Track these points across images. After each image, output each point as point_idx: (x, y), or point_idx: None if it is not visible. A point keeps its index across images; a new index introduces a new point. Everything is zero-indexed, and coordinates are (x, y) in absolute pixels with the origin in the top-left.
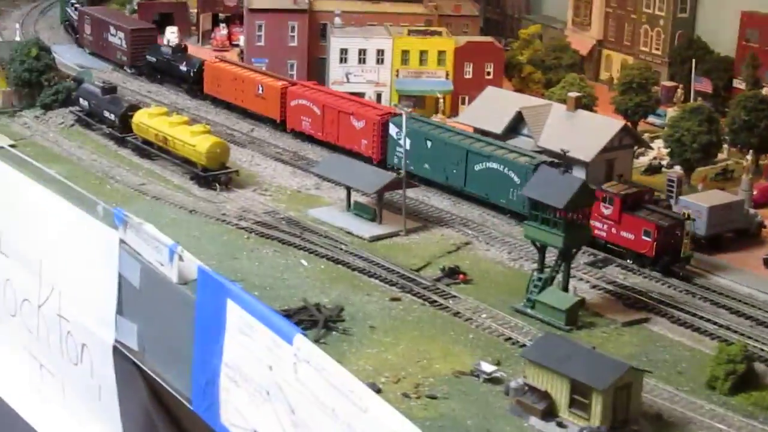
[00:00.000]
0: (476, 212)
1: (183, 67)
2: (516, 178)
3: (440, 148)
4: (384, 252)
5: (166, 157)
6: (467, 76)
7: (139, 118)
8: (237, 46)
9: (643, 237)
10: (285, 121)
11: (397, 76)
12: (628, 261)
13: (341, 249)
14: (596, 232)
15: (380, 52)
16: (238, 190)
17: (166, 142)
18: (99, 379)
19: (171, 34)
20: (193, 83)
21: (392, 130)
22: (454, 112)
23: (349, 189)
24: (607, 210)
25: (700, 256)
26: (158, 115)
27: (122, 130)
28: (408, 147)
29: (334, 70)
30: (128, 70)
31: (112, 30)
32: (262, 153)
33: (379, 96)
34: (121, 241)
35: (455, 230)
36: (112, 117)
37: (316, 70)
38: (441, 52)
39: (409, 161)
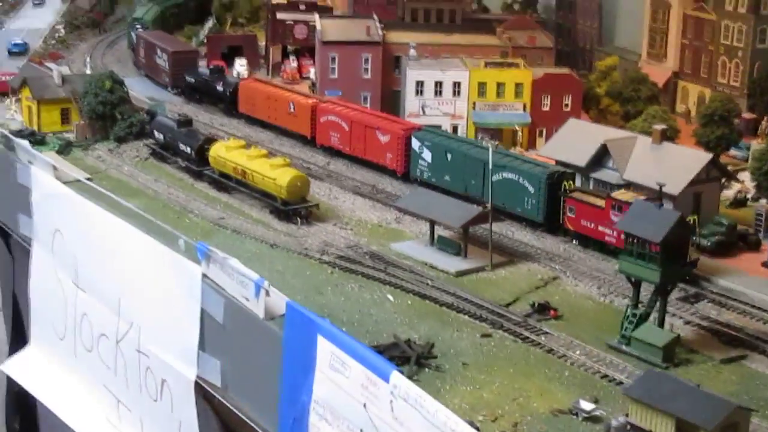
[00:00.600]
0: (561, 246)
1: (219, 87)
2: (530, 188)
3: (459, 160)
4: (471, 287)
5: (244, 190)
6: (545, 109)
7: (217, 151)
8: (307, 78)
9: None
10: (315, 137)
11: (473, 108)
12: None
13: (427, 284)
14: (606, 238)
15: (457, 85)
16: (318, 224)
17: (245, 176)
18: (179, 415)
19: (240, 67)
20: (229, 102)
21: (415, 144)
22: (531, 144)
23: (433, 223)
24: (616, 217)
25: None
26: (236, 149)
27: (198, 164)
28: (430, 160)
29: (410, 103)
30: (170, 91)
31: (159, 52)
32: (341, 186)
33: (455, 128)
34: (204, 276)
35: (542, 265)
36: (188, 150)
37: (390, 102)
38: (518, 85)
39: (431, 173)
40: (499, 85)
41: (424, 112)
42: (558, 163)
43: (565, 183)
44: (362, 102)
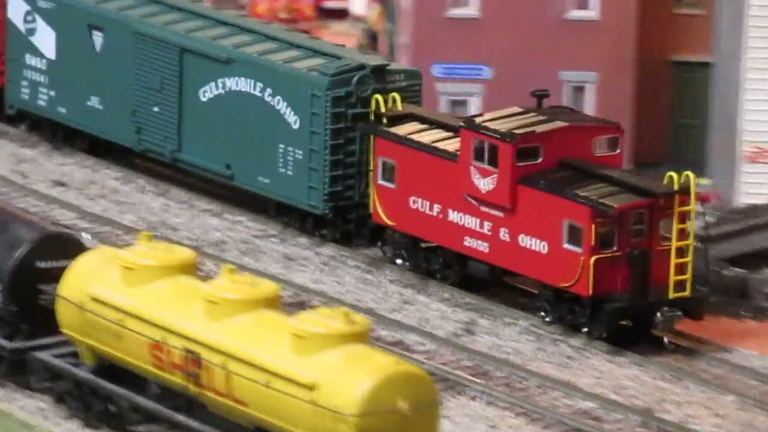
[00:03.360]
0: None
1: None
2: (292, 116)
3: (123, 50)
4: None
5: (194, 424)
6: None
7: (93, 284)
8: (341, 16)
9: (566, 245)
10: None
11: None
12: (541, 314)
13: None
14: (466, 242)
15: None
16: None
17: (199, 378)
18: None
19: None
20: None
21: (13, 10)
22: None
23: None
24: (485, 180)
25: None
26: (161, 273)
27: (21, 323)
28: (52, 54)
29: None
30: None
31: None
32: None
33: None
34: None
35: None
36: None
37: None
38: None
39: (53, 92)
40: None
41: None
42: None
43: (377, 99)
44: (569, 99)
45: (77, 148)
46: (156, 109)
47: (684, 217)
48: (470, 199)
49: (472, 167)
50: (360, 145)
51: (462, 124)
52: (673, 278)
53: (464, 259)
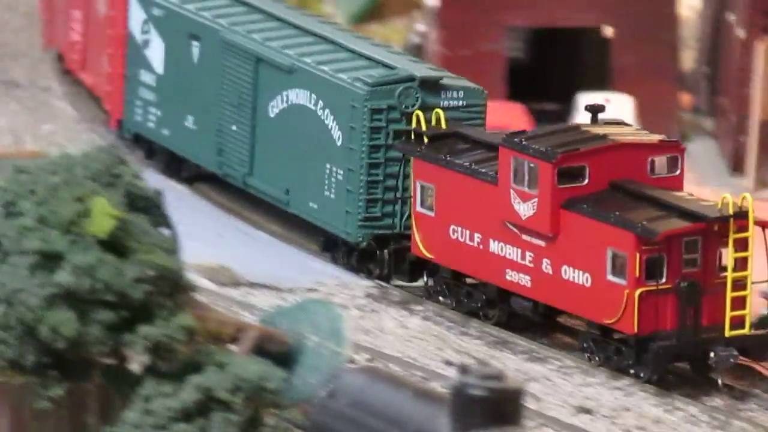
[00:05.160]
0: None
1: None
2: (336, 131)
3: (214, 61)
4: None
5: None
6: None
7: None
8: None
9: (610, 276)
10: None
11: None
12: (587, 355)
13: None
14: (507, 276)
15: None
16: None
17: None
18: None
19: None
20: None
21: (135, 17)
22: None
23: None
24: (525, 205)
25: None
26: None
27: None
28: (161, 69)
29: None
30: None
31: None
32: None
33: None
34: None
35: None
36: None
37: None
38: None
39: (159, 110)
40: None
41: None
42: None
43: (418, 115)
44: None
45: (183, 178)
46: (234, 127)
47: (743, 245)
48: (511, 227)
49: (512, 190)
50: (403, 166)
51: (512, 139)
52: (729, 314)
53: (507, 295)
